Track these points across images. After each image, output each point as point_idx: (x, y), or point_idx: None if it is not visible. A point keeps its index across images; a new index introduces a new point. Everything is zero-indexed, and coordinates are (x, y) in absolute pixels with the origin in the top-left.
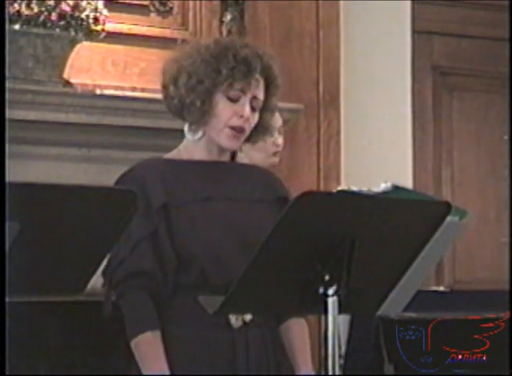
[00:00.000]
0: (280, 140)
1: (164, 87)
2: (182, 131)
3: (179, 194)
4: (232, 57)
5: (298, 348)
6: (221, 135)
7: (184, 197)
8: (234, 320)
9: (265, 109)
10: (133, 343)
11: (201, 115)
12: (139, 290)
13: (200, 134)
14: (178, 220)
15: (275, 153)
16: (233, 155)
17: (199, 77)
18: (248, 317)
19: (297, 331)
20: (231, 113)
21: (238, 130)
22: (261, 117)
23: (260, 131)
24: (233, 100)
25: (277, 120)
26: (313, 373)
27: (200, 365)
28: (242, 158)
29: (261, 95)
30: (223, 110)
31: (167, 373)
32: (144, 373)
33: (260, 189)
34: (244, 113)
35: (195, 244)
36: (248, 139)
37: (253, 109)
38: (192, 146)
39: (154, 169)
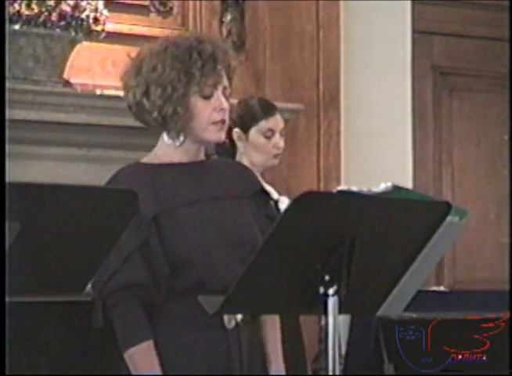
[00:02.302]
0: (282, 143)
1: (137, 104)
2: None
3: (167, 200)
4: (197, 56)
5: (269, 346)
6: (208, 132)
7: (172, 203)
8: (227, 321)
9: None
10: (127, 354)
11: (185, 122)
12: (131, 300)
13: (181, 138)
14: (168, 227)
15: (275, 156)
16: (233, 156)
17: (172, 85)
18: (240, 317)
19: (269, 328)
20: (210, 109)
21: (221, 123)
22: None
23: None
24: (208, 97)
25: (279, 122)
26: (283, 369)
27: (195, 366)
28: (242, 159)
29: (227, 83)
30: (202, 109)
31: None
32: None
33: (238, 185)
34: (222, 106)
35: (187, 249)
36: None
37: (226, 98)
38: (169, 150)
39: (140, 178)
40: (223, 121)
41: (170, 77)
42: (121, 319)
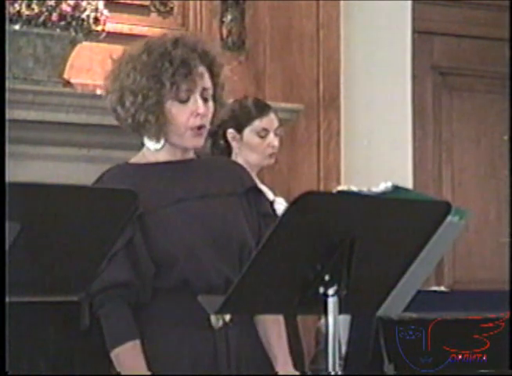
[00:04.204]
0: (276, 142)
1: (113, 110)
2: None
3: (152, 200)
4: (169, 64)
5: (274, 341)
6: (184, 138)
7: (157, 202)
8: (215, 321)
9: (216, 87)
10: (113, 354)
11: (159, 128)
12: (117, 300)
13: (161, 142)
14: (153, 226)
15: (270, 155)
16: (229, 156)
17: (143, 93)
18: (228, 317)
19: (272, 323)
20: (186, 114)
21: (199, 128)
22: (215, 95)
23: (219, 108)
24: (184, 101)
25: (273, 121)
26: (291, 364)
27: (182, 366)
28: (237, 160)
29: (208, 84)
30: (178, 114)
31: None
32: None
33: (228, 183)
34: (199, 110)
35: (172, 249)
36: (212, 119)
37: (205, 100)
38: (155, 151)
39: (124, 177)
40: (202, 127)
41: (141, 84)
42: (107, 319)
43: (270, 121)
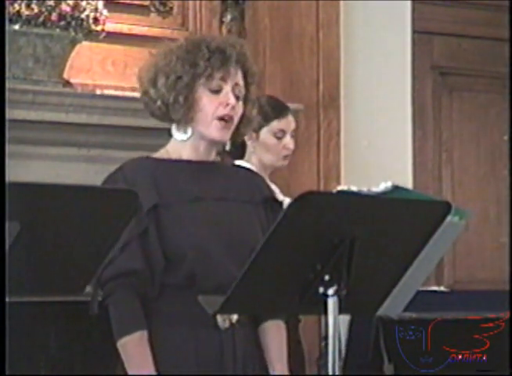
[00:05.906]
0: (292, 144)
1: (144, 92)
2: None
3: (169, 194)
4: (205, 49)
5: (274, 352)
6: (211, 127)
7: (174, 198)
8: (221, 321)
9: (246, 100)
10: (120, 343)
11: (187, 111)
12: (127, 289)
13: (189, 133)
14: (167, 220)
15: (285, 157)
16: (242, 155)
17: (177, 74)
18: (235, 318)
19: (274, 334)
20: (216, 104)
21: (226, 119)
22: (244, 109)
23: (245, 123)
24: (216, 91)
25: (290, 123)
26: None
27: (187, 365)
28: (251, 159)
29: (241, 82)
30: (208, 102)
31: (155, 374)
32: (131, 374)
33: (246, 191)
34: (229, 101)
35: (184, 245)
36: (236, 132)
37: (237, 97)
38: (179, 146)
39: (144, 169)
40: (229, 118)
41: (175, 66)
42: (116, 307)
43: (288, 122)
